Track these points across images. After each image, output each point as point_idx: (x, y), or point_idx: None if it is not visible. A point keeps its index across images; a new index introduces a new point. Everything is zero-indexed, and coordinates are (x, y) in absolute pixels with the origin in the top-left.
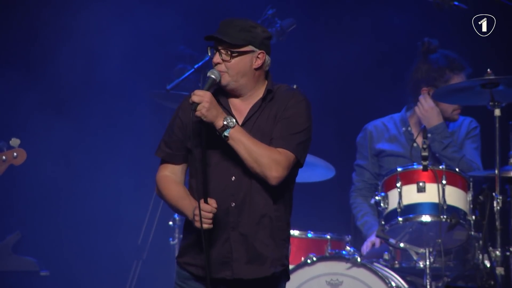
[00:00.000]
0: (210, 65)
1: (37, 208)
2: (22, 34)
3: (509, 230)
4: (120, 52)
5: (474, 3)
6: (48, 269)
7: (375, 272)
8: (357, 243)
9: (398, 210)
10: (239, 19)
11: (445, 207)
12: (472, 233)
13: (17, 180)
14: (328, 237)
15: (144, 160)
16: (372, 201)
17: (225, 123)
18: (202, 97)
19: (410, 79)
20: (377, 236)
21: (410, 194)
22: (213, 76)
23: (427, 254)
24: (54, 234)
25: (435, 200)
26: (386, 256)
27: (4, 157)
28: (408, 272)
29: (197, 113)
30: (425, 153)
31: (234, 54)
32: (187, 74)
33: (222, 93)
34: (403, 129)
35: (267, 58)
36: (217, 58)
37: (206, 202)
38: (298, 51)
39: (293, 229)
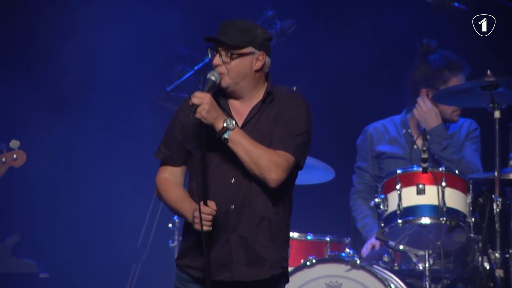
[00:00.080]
0: (210, 66)
1: (37, 210)
2: (22, 35)
3: (509, 232)
4: (120, 53)
5: (474, 4)
6: (48, 271)
7: (375, 274)
8: (357, 245)
9: (398, 212)
10: (239, 20)
11: (444, 209)
12: (472, 235)
13: (16, 182)
14: (328, 239)
15: (143, 162)
16: (372, 203)
17: (225, 125)
18: (202, 99)
19: (409, 80)
20: (377, 238)
21: (409, 196)
22: (213, 78)
23: (427, 256)
24: (54, 236)
25: (435, 202)
26: (385, 258)
27: (3, 159)
28: (408, 274)
29: (197, 115)
30: (424, 155)
31: (234, 56)
32: (187, 75)
33: (222, 95)
34: (403, 131)
35: (267, 59)
36: (217, 60)
37: (205, 204)
38: (298, 52)
39: (293, 231)
